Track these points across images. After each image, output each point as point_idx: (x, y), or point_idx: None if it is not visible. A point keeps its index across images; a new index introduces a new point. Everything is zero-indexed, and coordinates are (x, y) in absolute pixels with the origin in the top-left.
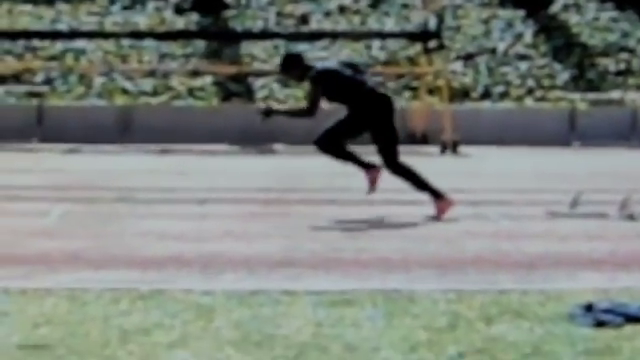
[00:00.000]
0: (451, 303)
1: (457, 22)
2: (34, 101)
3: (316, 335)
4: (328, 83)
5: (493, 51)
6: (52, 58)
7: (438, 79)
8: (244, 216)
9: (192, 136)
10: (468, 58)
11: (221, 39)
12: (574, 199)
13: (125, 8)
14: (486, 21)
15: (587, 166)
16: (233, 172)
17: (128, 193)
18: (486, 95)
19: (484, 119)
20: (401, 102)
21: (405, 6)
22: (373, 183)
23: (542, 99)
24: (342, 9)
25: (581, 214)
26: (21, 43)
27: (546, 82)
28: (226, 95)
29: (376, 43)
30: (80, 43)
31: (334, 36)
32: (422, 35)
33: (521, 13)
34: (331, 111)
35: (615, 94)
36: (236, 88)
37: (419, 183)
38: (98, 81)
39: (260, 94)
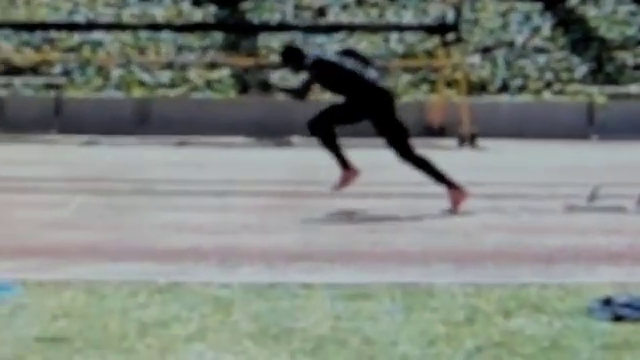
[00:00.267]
0: (469, 297)
1: (475, 15)
2: (52, 93)
3: (334, 328)
4: (323, 72)
5: (511, 44)
6: (70, 50)
7: (456, 72)
8: (262, 209)
9: (209, 128)
10: (486, 51)
11: (239, 31)
12: (592, 193)
13: (142, 0)
14: (504, 14)
15: (605, 159)
16: (250, 164)
17: (146, 185)
18: (504, 88)
19: (502, 112)
20: (419, 95)
21: None
22: (343, 184)
23: (560, 92)
24: (360, 2)
25: (599, 208)
26: (39, 35)
27: (564, 75)
28: (243, 87)
29: (394, 36)
30: (98, 35)
31: (352, 29)
32: (440, 28)
33: (539, 6)
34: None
35: (633, 87)
36: (253, 80)
37: (434, 173)
38: (116, 73)
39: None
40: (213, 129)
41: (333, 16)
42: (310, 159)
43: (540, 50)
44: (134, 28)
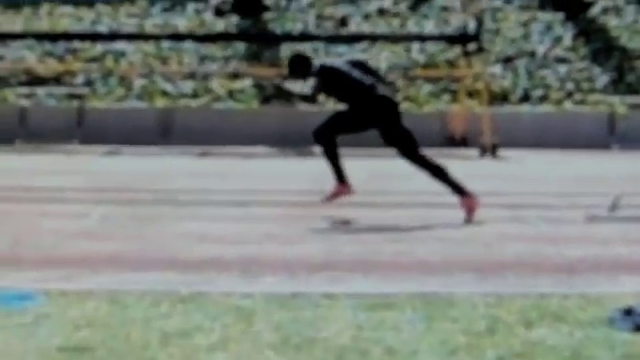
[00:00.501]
0: (490, 307)
1: (496, 25)
2: (74, 103)
3: (356, 338)
4: (328, 80)
5: (532, 54)
6: (92, 60)
7: (477, 82)
8: (284, 218)
9: (232, 138)
10: (507, 61)
11: (261, 41)
12: (613, 202)
13: (165, 10)
14: (525, 24)
15: (626, 169)
16: (272, 174)
17: (168, 195)
18: (525, 98)
19: (523, 122)
20: (440, 105)
21: (445, 9)
22: (334, 197)
23: (581, 102)
24: (381, 12)
25: (620, 217)
26: (62, 45)
27: (585, 85)
28: (266, 97)
29: (415, 46)
30: (120, 45)
31: (373, 39)
32: (461, 38)
33: (560, 16)
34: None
35: None
36: (276, 90)
37: (444, 178)
38: (138, 83)
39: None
40: (235, 139)
41: (355, 26)
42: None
43: (561, 60)
44: (157, 38)
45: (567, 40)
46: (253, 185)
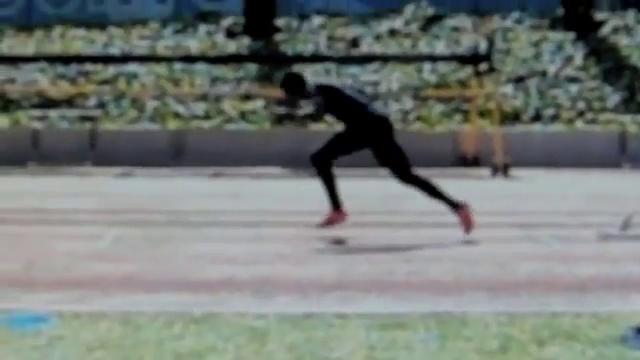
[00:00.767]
0: (503, 326)
1: (507, 45)
2: (87, 125)
3: (369, 358)
4: (328, 98)
5: (543, 74)
6: (105, 82)
7: (489, 102)
8: (296, 239)
9: (244, 159)
10: (519, 81)
11: (272, 63)
12: (625, 221)
13: (177, 32)
14: (536, 44)
15: (638, 188)
16: (284, 195)
17: (181, 216)
18: (537, 118)
19: (535, 142)
20: (452, 125)
21: (456, 29)
22: (328, 223)
23: (592, 121)
24: (393, 32)
25: (632, 236)
26: (74, 67)
27: (596, 105)
28: (277, 118)
29: (427, 66)
30: (132, 67)
31: (385, 59)
32: (473, 58)
33: (571, 36)
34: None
35: None
36: (287, 112)
37: (437, 194)
38: (150, 105)
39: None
40: (247, 160)
41: (366, 47)
42: (345, 189)
43: (572, 80)
44: (169, 60)
45: (578, 60)
46: (265, 206)
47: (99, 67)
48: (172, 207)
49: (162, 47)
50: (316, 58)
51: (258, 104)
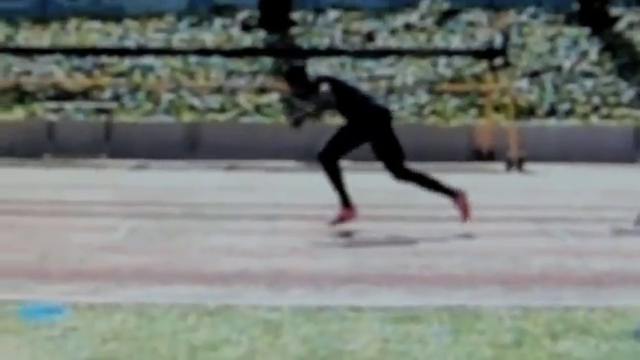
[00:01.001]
0: (517, 320)
1: (523, 40)
2: (102, 117)
3: (382, 351)
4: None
5: (559, 69)
6: (120, 75)
7: (504, 96)
8: (310, 232)
9: (258, 153)
10: (534, 75)
11: (288, 56)
12: (639, 216)
13: (192, 25)
14: (552, 39)
15: None
16: (299, 188)
17: (195, 209)
18: (552, 112)
19: (550, 136)
20: (467, 119)
21: (471, 24)
22: (341, 220)
23: (607, 116)
24: (408, 27)
25: None
26: (89, 60)
27: (611, 100)
28: (292, 112)
29: (442, 60)
30: (148, 60)
31: (400, 53)
32: (488, 53)
33: (586, 31)
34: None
35: None
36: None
37: (432, 185)
38: (166, 98)
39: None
40: (262, 153)
41: (382, 41)
42: (358, 182)
43: (587, 74)
44: (184, 53)
45: (593, 55)
46: (279, 199)
47: (115, 60)
48: (187, 200)
49: (177, 40)
50: (331, 52)
51: (273, 97)
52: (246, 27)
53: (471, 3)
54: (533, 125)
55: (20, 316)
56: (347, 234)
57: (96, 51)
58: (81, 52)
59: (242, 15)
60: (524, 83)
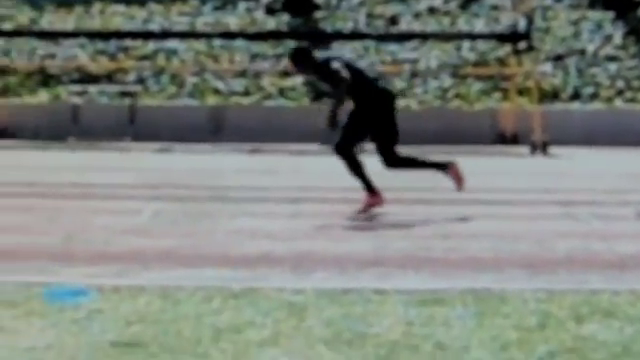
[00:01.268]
0: (541, 303)
1: (547, 24)
2: (126, 101)
3: (407, 334)
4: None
5: (582, 52)
6: (144, 58)
7: (528, 80)
8: (334, 215)
9: (282, 136)
10: (558, 59)
11: (312, 39)
12: None
13: (216, 9)
14: (575, 23)
15: None
16: (323, 171)
17: (220, 192)
18: (576, 96)
19: (573, 120)
20: (491, 103)
21: (495, 8)
22: (366, 209)
23: (631, 100)
24: (432, 10)
25: None
26: (114, 43)
27: (636, 83)
28: (316, 95)
29: (466, 44)
30: (172, 43)
31: (424, 37)
32: (512, 36)
33: (610, 15)
34: None
35: None
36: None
37: (423, 165)
38: (190, 81)
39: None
40: (286, 136)
41: (405, 24)
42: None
43: (611, 58)
44: (208, 36)
45: (617, 38)
46: (304, 182)
47: (139, 43)
48: (211, 182)
49: (201, 23)
50: (355, 35)
51: (297, 80)
52: (270, 10)
53: None
54: (557, 109)
55: (45, 298)
56: (371, 217)
57: (120, 34)
58: (105, 35)
59: None
60: (548, 67)
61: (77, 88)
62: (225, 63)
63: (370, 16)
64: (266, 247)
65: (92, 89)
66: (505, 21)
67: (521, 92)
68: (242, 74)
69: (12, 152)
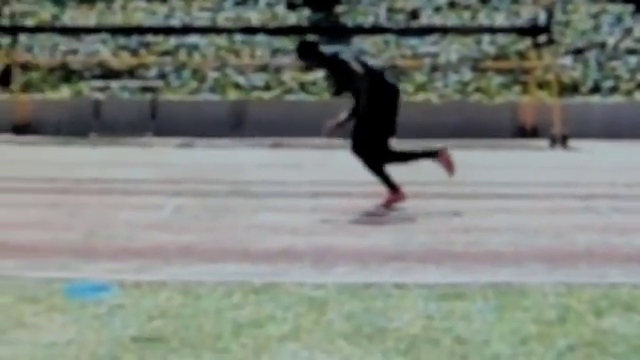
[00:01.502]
0: (561, 296)
1: (567, 17)
2: (148, 96)
3: (427, 328)
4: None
5: (602, 46)
6: (166, 53)
7: (548, 73)
8: (356, 210)
9: (304, 130)
10: (578, 53)
11: (332, 34)
12: None
13: (237, 4)
14: (595, 16)
15: None
16: (344, 166)
17: (241, 187)
18: (595, 89)
19: (593, 113)
20: (511, 96)
21: (515, 1)
22: (389, 203)
23: None
24: (452, 4)
25: None
26: (135, 38)
27: None
28: (337, 89)
29: (486, 38)
30: (193, 38)
31: (444, 31)
32: (532, 30)
33: (630, 8)
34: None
35: None
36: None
37: (413, 156)
38: (211, 76)
39: None
40: (307, 131)
41: (426, 18)
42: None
43: (632, 51)
44: (229, 31)
45: (637, 31)
46: (325, 177)
47: (160, 38)
48: (232, 177)
49: (223, 19)
50: (376, 30)
51: (318, 75)
52: (291, 5)
53: None
54: (577, 102)
55: (67, 294)
56: (392, 211)
57: (142, 30)
58: (127, 31)
59: None
60: (568, 60)
61: (99, 84)
62: (246, 58)
63: (391, 10)
64: (287, 242)
65: (114, 84)
66: (525, 15)
67: (541, 85)
68: (263, 69)
69: (34, 148)
